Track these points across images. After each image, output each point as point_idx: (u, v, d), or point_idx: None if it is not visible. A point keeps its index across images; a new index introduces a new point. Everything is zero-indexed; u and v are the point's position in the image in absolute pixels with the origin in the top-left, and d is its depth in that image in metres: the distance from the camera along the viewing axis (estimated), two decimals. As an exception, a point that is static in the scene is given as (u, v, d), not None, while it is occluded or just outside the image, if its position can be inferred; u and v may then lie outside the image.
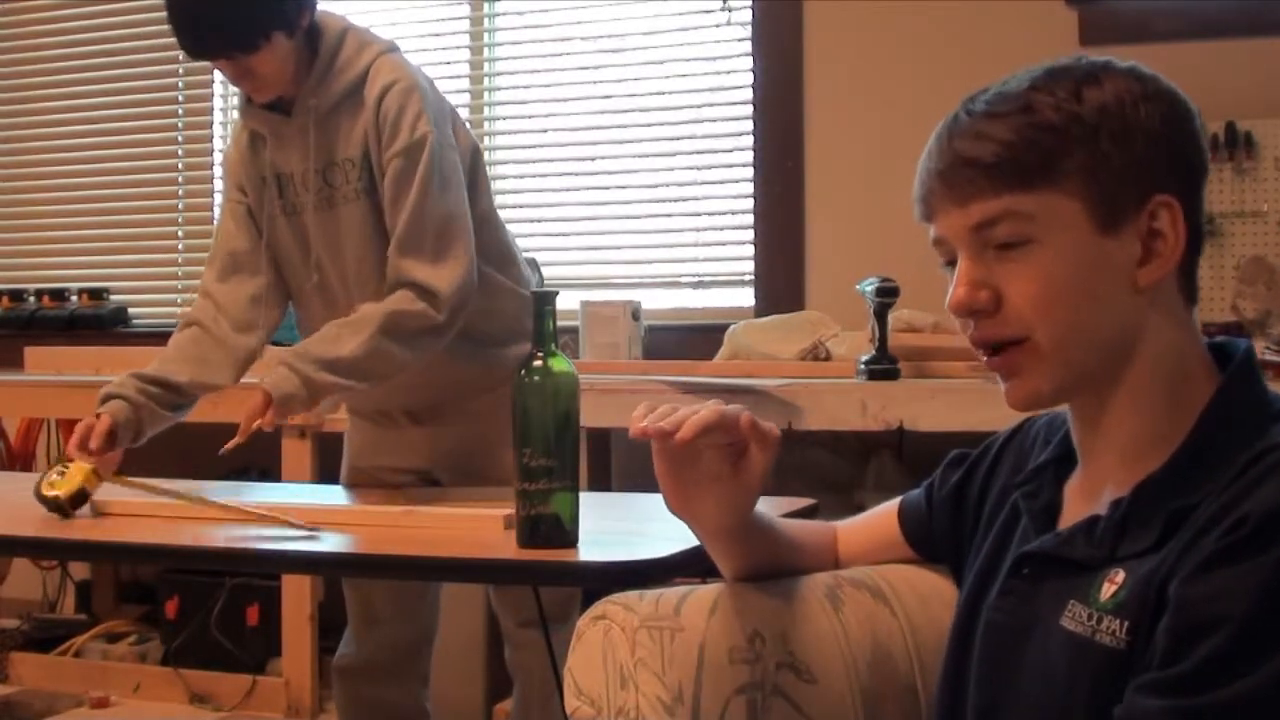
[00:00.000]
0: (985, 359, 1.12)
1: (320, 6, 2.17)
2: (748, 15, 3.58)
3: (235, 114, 4.22)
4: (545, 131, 3.84)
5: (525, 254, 2.50)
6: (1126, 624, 1.01)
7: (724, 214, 3.67)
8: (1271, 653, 0.92)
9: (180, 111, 4.29)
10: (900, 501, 1.40)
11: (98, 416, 2.09)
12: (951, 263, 1.12)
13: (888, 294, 2.77)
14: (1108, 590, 1.04)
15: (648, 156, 3.74)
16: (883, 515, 1.41)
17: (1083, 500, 1.13)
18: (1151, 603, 1.00)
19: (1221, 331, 2.82)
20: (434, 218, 2.09)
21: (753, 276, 3.58)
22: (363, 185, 2.15)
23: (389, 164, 2.10)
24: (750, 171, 3.58)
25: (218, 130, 4.24)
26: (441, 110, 2.19)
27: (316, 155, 2.15)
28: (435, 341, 2.10)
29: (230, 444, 2.04)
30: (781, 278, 3.51)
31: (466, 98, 3.87)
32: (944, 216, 1.10)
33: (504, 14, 3.89)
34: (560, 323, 1.71)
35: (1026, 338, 1.08)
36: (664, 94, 3.71)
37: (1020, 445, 1.28)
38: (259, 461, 3.49)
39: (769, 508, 1.88)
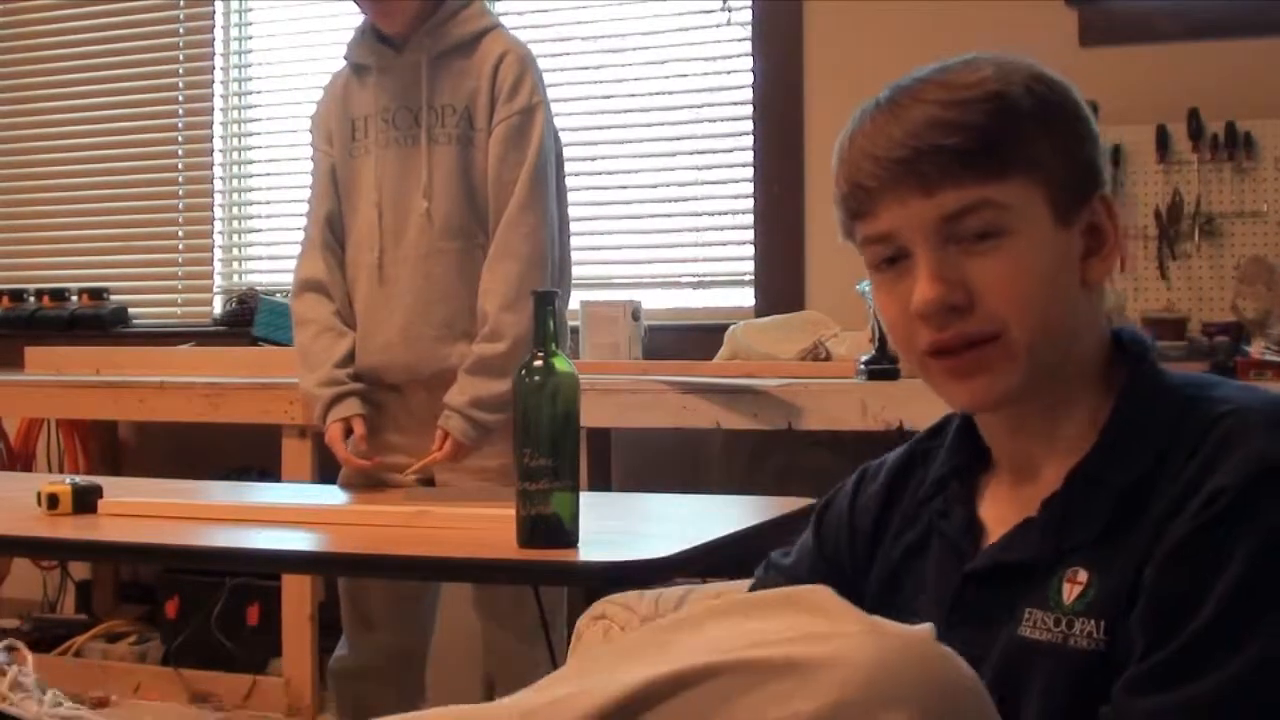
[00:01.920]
0: (938, 360, 1.05)
1: None
2: (748, 15, 3.58)
3: (236, 113, 4.24)
4: (545, 131, 3.84)
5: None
6: (1103, 624, 0.97)
7: (724, 214, 3.67)
8: (1261, 624, 0.89)
9: (180, 111, 4.29)
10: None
11: (343, 422, 2.26)
12: (893, 259, 1.06)
13: (888, 294, 2.77)
14: (1071, 591, 1.00)
15: (648, 156, 3.74)
16: None
17: (1008, 510, 1.09)
18: (1126, 597, 0.96)
19: (1222, 332, 2.82)
20: (540, 189, 2.23)
21: (753, 276, 3.58)
22: (459, 133, 2.26)
23: (504, 119, 2.24)
24: (750, 171, 3.58)
25: (218, 130, 4.24)
26: (546, 93, 2.32)
27: (422, 93, 2.26)
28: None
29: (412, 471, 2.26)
30: (781, 278, 3.51)
31: (466, 98, 3.88)
32: (899, 208, 1.04)
33: (504, 14, 3.89)
34: (560, 323, 1.71)
35: (999, 334, 1.02)
36: (664, 94, 3.71)
37: (876, 476, 1.22)
38: (259, 462, 3.50)
39: (769, 508, 1.89)
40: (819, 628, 0.83)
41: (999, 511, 1.10)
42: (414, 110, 2.26)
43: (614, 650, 0.92)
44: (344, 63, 2.38)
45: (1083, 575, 1.00)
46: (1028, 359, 1.03)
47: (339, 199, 2.34)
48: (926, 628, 0.84)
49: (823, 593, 0.87)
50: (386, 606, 2.35)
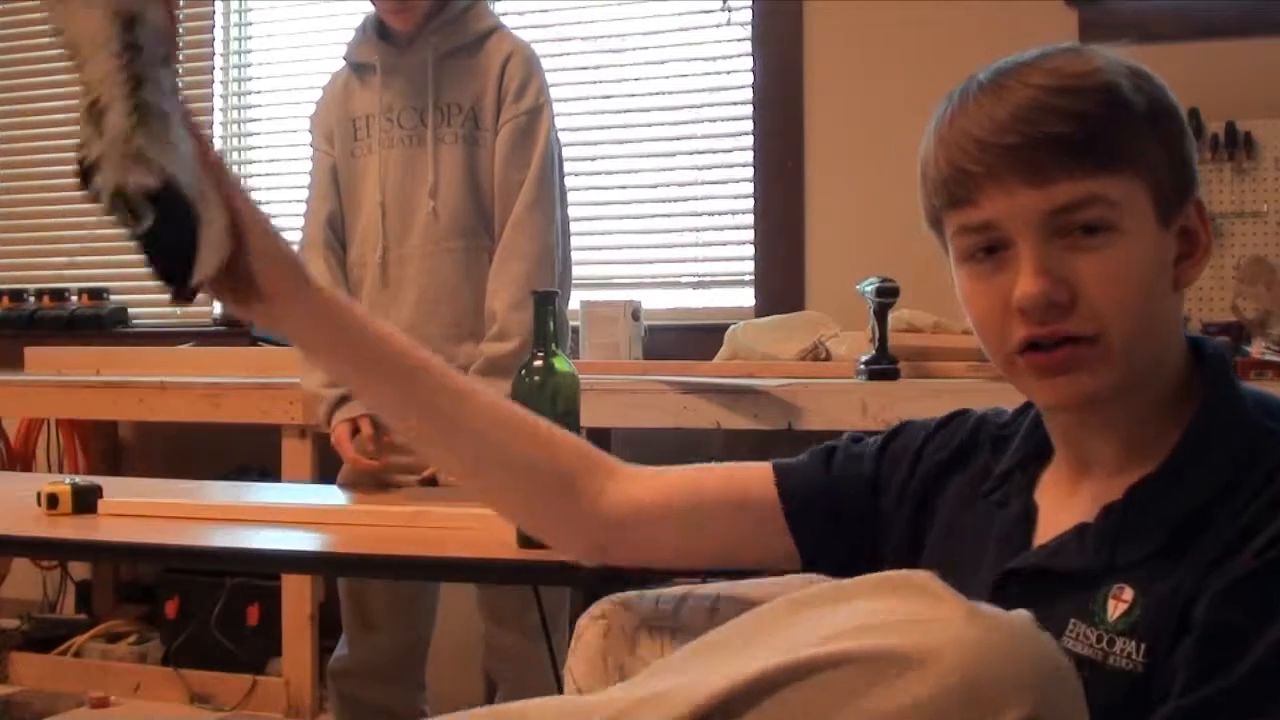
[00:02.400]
0: (1029, 356, 1.01)
1: None
2: (748, 15, 3.58)
3: (236, 113, 4.24)
4: (545, 131, 3.83)
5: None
6: (1144, 646, 0.95)
7: (724, 214, 3.67)
8: None
9: (180, 111, 4.28)
10: (773, 465, 1.23)
11: (350, 422, 2.25)
12: (988, 249, 1.02)
13: (888, 294, 2.77)
14: (1115, 609, 0.97)
15: (648, 156, 3.74)
16: (734, 471, 1.24)
17: (1065, 506, 1.07)
18: (1174, 624, 0.94)
19: (1222, 332, 2.81)
20: (546, 190, 2.27)
21: (753, 276, 3.58)
22: (465, 132, 2.27)
23: (511, 120, 2.26)
24: (750, 171, 3.58)
25: (218, 130, 4.24)
26: (550, 95, 2.35)
27: (429, 91, 2.27)
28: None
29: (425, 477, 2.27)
30: (781, 278, 3.51)
31: (466, 98, 3.88)
32: (1006, 198, 0.99)
33: (504, 14, 3.88)
34: (560, 323, 1.71)
35: (1097, 336, 0.99)
36: (664, 94, 3.71)
37: (955, 432, 1.20)
38: (259, 461, 3.50)
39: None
40: (922, 613, 0.81)
41: (1055, 502, 1.08)
42: (419, 109, 2.27)
43: (710, 642, 0.90)
44: (343, 63, 2.38)
45: (1128, 594, 0.97)
46: (1123, 363, 1.00)
47: (340, 199, 2.34)
48: (1026, 615, 0.83)
49: (923, 577, 0.84)
50: (387, 606, 2.35)
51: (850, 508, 1.21)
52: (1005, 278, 1.01)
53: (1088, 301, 0.98)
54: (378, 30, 2.31)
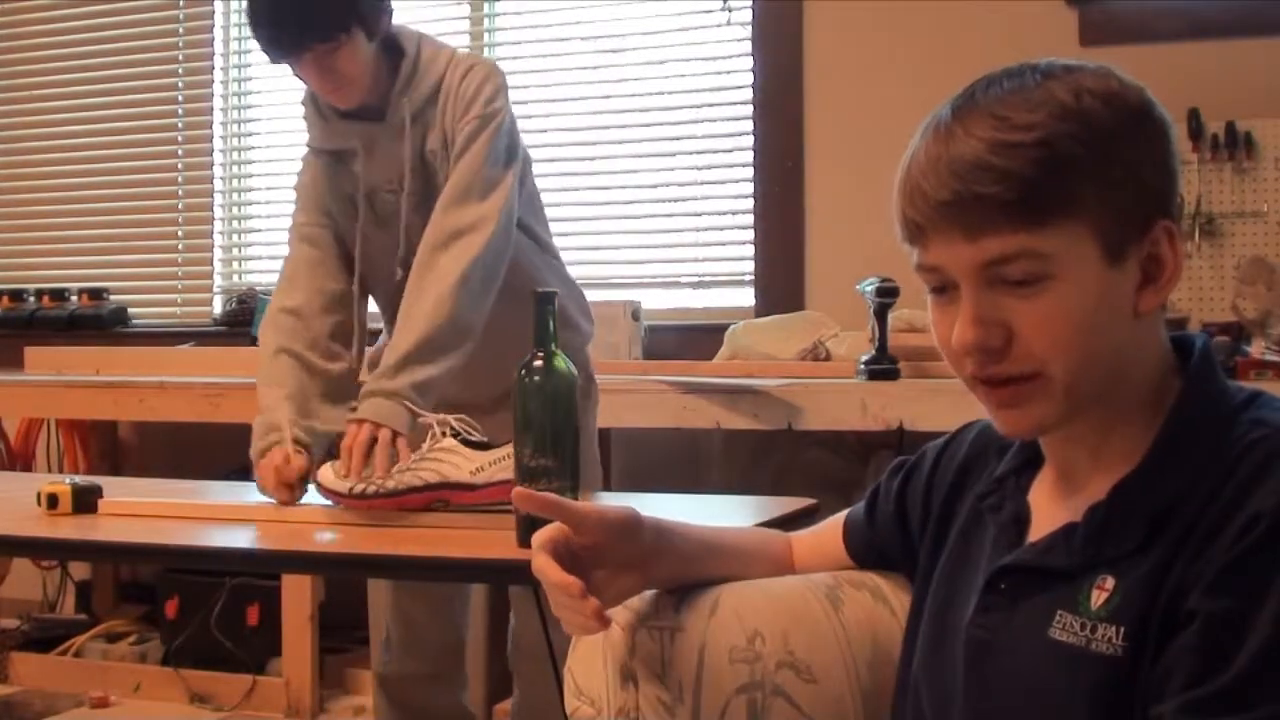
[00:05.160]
0: (981, 387, 1.07)
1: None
2: (748, 15, 3.58)
3: (236, 113, 4.24)
4: (545, 131, 3.84)
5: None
6: (1122, 630, 0.99)
7: (724, 214, 3.67)
8: None
9: (180, 111, 4.29)
10: (845, 518, 1.40)
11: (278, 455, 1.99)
12: (940, 289, 1.08)
13: (888, 294, 2.78)
14: (1098, 598, 1.02)
15: (648, 156, 3.74)
16: (830, 530, 1.41)
17: (1055, 508, 1.11)
18: (1159, 608, 0.98)
19: (1222, 332, 2.82)
20: (486, 177, 2.10)
21: (753, 276, 3.58)
22: (447, 171, 2.14)
23: (461, 129, 2.11)
24: (750, 171, 3.58)
25: (218, 130, 4.25)
26: (510, 106, 2.20)
27: (413, 152, 2.15)
28: (497, 262, 2.09)
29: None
30: (781, 278, 3.51)
31: (466, 98, 3.88)
32: (945, 247, 1.04)
33: (504, 14, 3.89)
34: (560, 323, 1.70)
35: (1038, 374, 1.04)
36: (664, 94, 3.71)
37: (956, 451, 1.26)
38: (259, 461, 3.50)
39: (769, 508, 1.89)
40: None
41: (1046, 504, 1.13)
42: (415, 167, 2.15)
43: None
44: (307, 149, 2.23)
45: (1110, 582, 1.02)
46: (1066, 395, 1.04)
47: (341, 265, 2.20)
48: None
49: None
50: (426, 605, 2.32)
51: (892, 551, 1.34)
52: (954, 313, 1.07)
53: (1023, 344, 1.03)
54: (338, 111, 2.18)
